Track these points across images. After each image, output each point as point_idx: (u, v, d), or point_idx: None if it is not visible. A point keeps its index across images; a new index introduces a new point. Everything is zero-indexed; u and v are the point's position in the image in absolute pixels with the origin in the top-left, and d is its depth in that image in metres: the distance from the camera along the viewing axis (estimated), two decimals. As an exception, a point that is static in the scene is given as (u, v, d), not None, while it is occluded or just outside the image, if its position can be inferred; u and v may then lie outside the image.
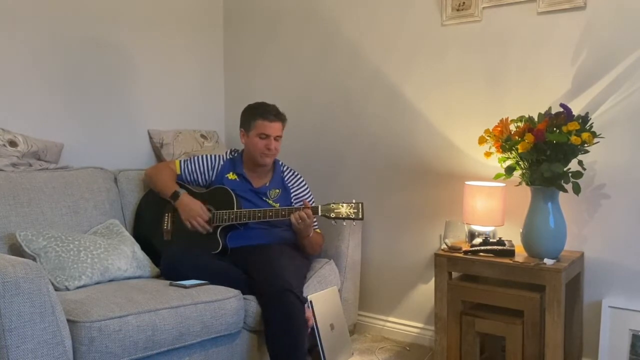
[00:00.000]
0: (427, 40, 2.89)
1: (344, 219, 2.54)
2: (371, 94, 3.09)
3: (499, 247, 2.41)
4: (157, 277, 2.53)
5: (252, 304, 2.35)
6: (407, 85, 2.96)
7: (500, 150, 2.40)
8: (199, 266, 2.44)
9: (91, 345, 1.88)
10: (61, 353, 1.82)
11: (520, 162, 2.36)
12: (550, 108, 2.38)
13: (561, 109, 2.31)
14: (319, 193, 2.96)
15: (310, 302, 2.42)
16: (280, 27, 3.42)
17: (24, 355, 1.73)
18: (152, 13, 3.25)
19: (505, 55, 2.67)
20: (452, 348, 2.48)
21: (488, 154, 2.46)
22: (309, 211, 2.52)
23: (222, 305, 2.25)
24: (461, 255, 2.46)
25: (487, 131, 2.45)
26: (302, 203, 2.65)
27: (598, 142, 2.31)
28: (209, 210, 2.64)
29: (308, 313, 2.37)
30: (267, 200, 2.72)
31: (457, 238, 2.59)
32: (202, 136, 3.37)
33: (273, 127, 2.67)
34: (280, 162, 2.85)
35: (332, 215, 2.53)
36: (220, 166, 2.79)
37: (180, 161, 2.83)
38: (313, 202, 2.76)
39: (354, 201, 2.54)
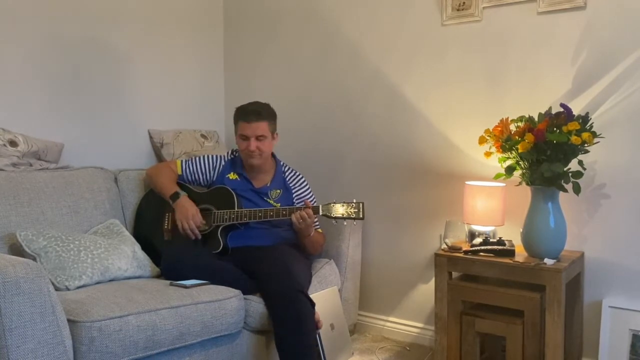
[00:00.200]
0: (427, 40, 2.89)
1: (344, 218, 2.53)
2: (371, 94, 3.09)
3: (499, 247, 2.41)
4: (158, 277, 2.52)
5: (252, 304, 2.35)
6: (407, 85, 2.96)
7: (501, 150, 2.40)
8: (199, 266, 2.43)
9: (91, 345, 1.88)
10: (61, 353, 1.82)
11: (520, 162, 2.36)
12: (550, 108, 2.38)
13: (561, 109, 2.31)
14: (319, 193, 2.96)
15: (311, 302, 2.43)
16: (280, 27, 3.42)
17: (24, 355, 1.73)
18: (152, 13, 3.25)
19: (505, 55, 2.67)
20: (452, 348, 2.48)
21: (488, 154, 2.46)
22: (310, 211, 2.52)
23: (223, 305, 2.24)
24: (461, 255, 2.46)
25: (487, 131, 2.45)
26: (303, 203, 2.65)
27: (598, 142, 2.31)
28: (206, 214, 2.64)
29: (317, 315, 2.37)
30: (268, 200, 2.72)
31: (457, 238, 2.59)
32: (203, 136, 3.37)
33: (251, 128, 2.64)
34: (282, 162, 2.85)
35: (333, 215, 2.53)
36: (221, 166, 2.79)
37: (181, 161, 2.84)
38: (315, 202, 2.76)
39: (354, 201, 2.54)
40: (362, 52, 3.10)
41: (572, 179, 2.29)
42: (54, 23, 2.83)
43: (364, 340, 3.00)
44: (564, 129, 2.24)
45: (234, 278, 2.42)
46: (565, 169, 2.28)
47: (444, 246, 2.58)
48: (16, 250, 2.30)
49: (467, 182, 2.60)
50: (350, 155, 3.18)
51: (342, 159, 3.21)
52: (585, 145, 2.26)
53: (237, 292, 2.33)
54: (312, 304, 2.32)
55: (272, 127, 2.71)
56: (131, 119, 3.17)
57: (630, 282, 2.42)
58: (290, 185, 2.79)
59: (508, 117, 2.42)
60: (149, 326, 2.02)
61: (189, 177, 2.81)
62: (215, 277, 2.38)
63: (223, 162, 2.80)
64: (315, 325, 2.35)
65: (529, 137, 2.26)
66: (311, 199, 2.78)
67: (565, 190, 2.29)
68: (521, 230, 2.41)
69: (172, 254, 2.51)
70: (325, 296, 2.57)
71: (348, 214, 2.52)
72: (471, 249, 2.45)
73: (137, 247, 2.57)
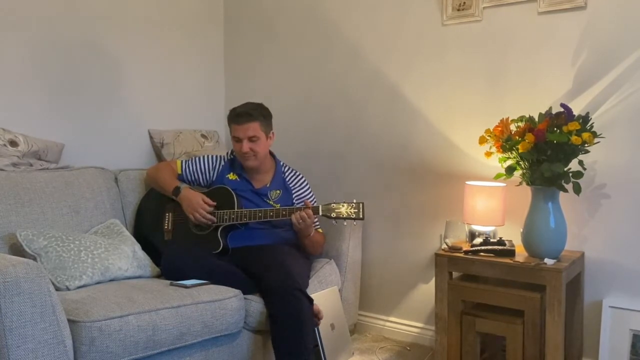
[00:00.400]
0: (427, 40, 2.89)
1: (344, 218, 2.53)
2: (371, 94, 3.09)
3: (500, 247, 2.41)
4: (158, 276, 2.52)
5: (252, 303, 2.35)
6: (407, 85, 2.96)
7: (501, 150, 2.40)
8: (199, 266, 2.43)
9: (92, 345, 1.88)
10: (62, 353, 1.82)
11: (520, 162, 2.36)
12: (550, 108, 2.38)
13: (562, 109, 2.31)
14: (319, 193, 2.96)
15: (311, 302, 2.43)
16: (280, 27, 3.42)
17: (24, 355, 1.73)
18: (152, 13, 3.25)
19: (505, 55, 2.67)
20: (452, 348, 2.48)
21: (488, 154, 2.46)
22: (310, 211, 2.52)
23: (223, 305, 2.24)
24: (462, 255, 2.46)
25: (487, 131, 2.45)
26: (303, 203, 2.65)
27: (598, 142, 2.31)
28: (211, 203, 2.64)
29: (317, 306, 2.36)
30: (268, 201, 2.72)
31: (458, 238, 2.59)
32: (203, 136, 3.37)
33: (242, 129, 2.63)
34: (282, 163, 2.85)
35: (333, 215, 2.53)
36: (221, 166, 2.79)
37: (181, 161, 2.84)
38: (315, 202, 2.76)
39: (354, 201, 2.54)
40: (362, 52, 3.10)
41: (572, 179, 2.29)
42: (54, 23, 2.83)
43: (364, 340, 3.00)
44: (564, 129, 2.24)
45: (234, 278, 2.42)
46: (565, 169, 2.28)
47: (444, 246, 2.58)
48: (16, 250, 2.30)
49: (467, 182, 2.60)
50: (350, 155, 3.18)
51: (342, 159, 3.21)
52: (586, 145, 2.26)
53: (237, 292, 2.33)
54: (310, 301, 2.32)
55: (266, 127, 2.68)
56: (131, 119, 3.17)
57: (630, 282, 2.42)
58: (290, 185, 2.79)
59: (508, 117, 2.42)
60: (149, 326, 2.02)
61: (189, 177, 2.81)
62: (215, 277, 2.38)
63: (223, 163, 2.80)
64: (316, 317, 2.34)
65: (529, 137, 2.26)
66: (311, 199, 2.78)
67: (566, 190, 2.29)
68: (521, 230, 2.41)
69: (172, 254, 2.51)
70: (326, 296, 2.57)
71: (348, 214, 2.52)
72: (471, 249, 2.45)
73: (138, 247, 2.57)
